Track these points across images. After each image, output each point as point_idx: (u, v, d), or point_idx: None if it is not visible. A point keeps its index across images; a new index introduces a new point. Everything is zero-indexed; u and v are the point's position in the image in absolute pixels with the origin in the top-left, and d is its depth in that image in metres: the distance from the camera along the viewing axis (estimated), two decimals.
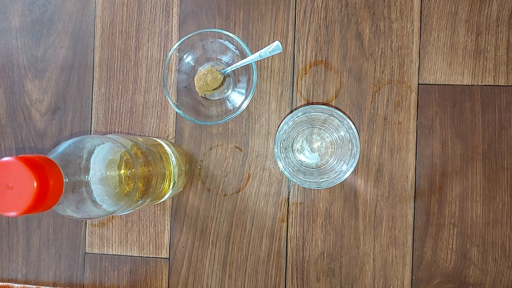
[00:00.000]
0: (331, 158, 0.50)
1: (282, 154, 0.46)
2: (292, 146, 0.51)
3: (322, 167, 0.51)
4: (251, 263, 0.52)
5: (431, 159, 0.51)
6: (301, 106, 0.51)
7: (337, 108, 0.51)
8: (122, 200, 0.37)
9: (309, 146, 0.51)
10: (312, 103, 0.52)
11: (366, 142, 0.51)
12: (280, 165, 0.45)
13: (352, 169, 0.44)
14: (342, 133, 0.47)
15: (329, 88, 0.52)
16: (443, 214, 0.50)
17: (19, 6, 0.56)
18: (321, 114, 0.46)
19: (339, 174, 0.45)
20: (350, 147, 0.45)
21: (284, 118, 0.49)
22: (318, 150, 0.51)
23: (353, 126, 0.44)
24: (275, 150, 0.45)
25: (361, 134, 0.51)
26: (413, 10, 0.51)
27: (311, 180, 0.47)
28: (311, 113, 0.46)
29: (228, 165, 0.53)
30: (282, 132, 0.45)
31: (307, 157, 0.51)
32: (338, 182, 0.45)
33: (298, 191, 0.52)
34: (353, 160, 0.44)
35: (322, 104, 0.52)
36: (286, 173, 0.45)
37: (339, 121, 0.45)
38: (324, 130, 0.51)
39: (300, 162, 0.51)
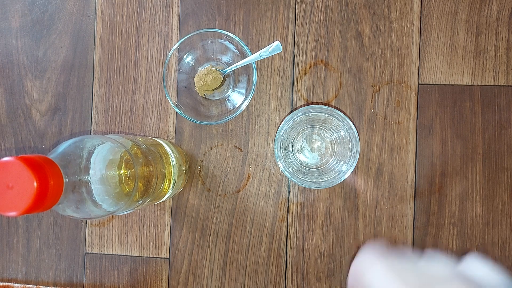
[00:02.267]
0: (331, 158, 0.50)
1: (282, 154, 0.46)
2: (292, 146, 0.51)
3: (322, 167, 0.51)
4: (251, 263, 0.52)
5: (431, 159, 0.51)
6: (301, 106, 0.51)
7: (337, 108, 0.51)
8: (122, 200, 0.37)
9: (309, 146, 0.51)
10: (312, 103, 0.52)
11: (366, 142, 0.51)
12: (280, 165, 0.45)
13: (352, 169, 0.44)
14: (342, 133, 0.47)
15: (329, 88, 0.52)
16: (443, 214, 0.50)
17: (19, 6, 0.56)
18: (321, 114, 0.46)
19: (339, 174, 0.45)
20: (350, 147, 0.45)
21: (284, 118, 0.49)
22: (318, 150, 0.51)
23: (353, 126, 0.44)
24: (275, 150, 0.45)
25: (361, 134, 0.51)
26: (413, 10, 0.51)
27: (311, 180, 0.47)
28: (311, 113, 0.46)
29: (228, 165, 0.53)
30: (282, 132, 0.45)
31: (307, 157, 0.51)
32: (338, 182, 0.45)
33: (298, 191, 0.52)
34: (353, 160, 0.44)
35: (322, 104, 0.52)
36: (286, 173, 0.45)
37: (339, 121, 0.45)
38: (324, 130, 0.51)
39: (300, 162, 0.51)
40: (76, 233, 0.55)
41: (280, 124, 0.47)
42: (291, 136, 0.50)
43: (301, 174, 0.48)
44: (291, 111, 0.52)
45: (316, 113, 0.46)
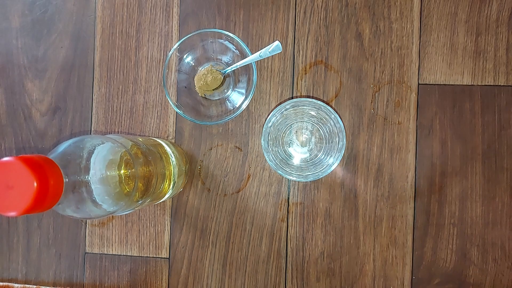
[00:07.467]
0: (320, 152, 0.50)
1: (269, 147, 0.46)
2: (282, 139, 0.51)
3: (310, 161, 0.51)
4: (251, 263, 0.52)
5: (431, 159, 0.51)
6: (288, 99, 0.50)
7: (327, 104, 0.51)
8: (122, 200, 0.37)
9: (298, 140, 0.51)
10: None
11: (366, 142, 0.51)
12: (267, 157, 0.45)
13: (337, 162, 0.44)
14: (330, 128, 0.48)
15: (329, 88, 0.52)
16: (443, 214, 0.50)
17: (19, 6, 0.56)
18: (308, 107, 0.46)
19: (325, 167, 0.46)
20: (337, 140, 0.46)
21: (272, 110, 0.49)
22: (308, 144, 0.51)
23: (340, 120, 0.44)
24: (262, 142, 0.45)
25: (361, 134, 0.51)
26: (413, 11, 0.51)
27: (298, 173, 0.47)
28: (299, 107, 0.46)
29: (228, 165, 0.53)
30: (270, 125, 0.45)
31: (297, 151, 0.51)
32: (324, 175, 0.45)
33: (298, 191, 0.52)
34: (338, 154, 0.44)
35: None
36: (272, 164, 0.45)
37: (327, 114, 0.45)
38: (313, 124, 0.51)
39: (289, 156, 0.51)
40: (76, 233, 0.55)
41: (268, 116, 0.47)
42: (280, 129, 0.50)
43: (288, 167, 0.48)
44: (279, 103, 0.52)
45: (304, 107, 0.46)
